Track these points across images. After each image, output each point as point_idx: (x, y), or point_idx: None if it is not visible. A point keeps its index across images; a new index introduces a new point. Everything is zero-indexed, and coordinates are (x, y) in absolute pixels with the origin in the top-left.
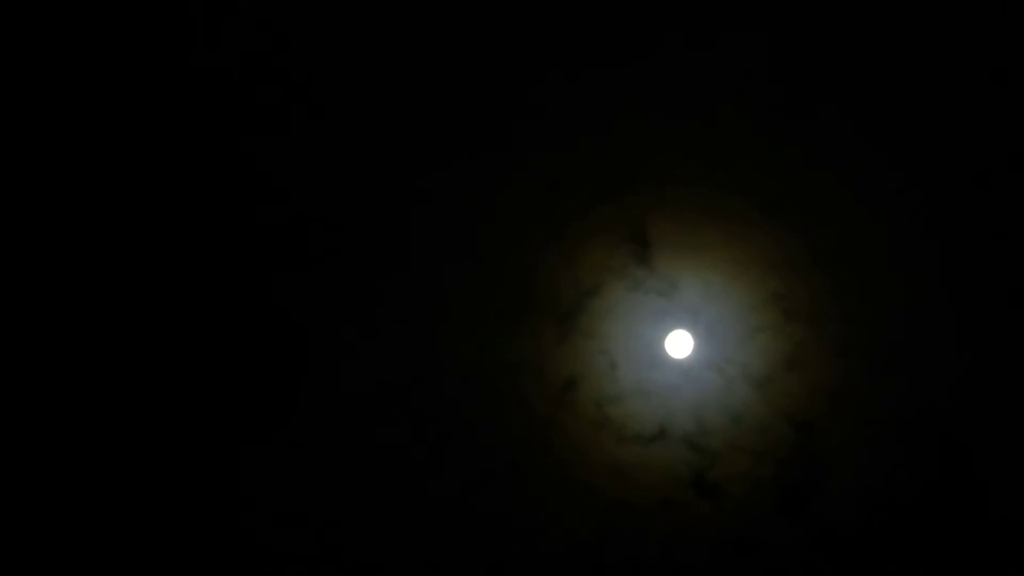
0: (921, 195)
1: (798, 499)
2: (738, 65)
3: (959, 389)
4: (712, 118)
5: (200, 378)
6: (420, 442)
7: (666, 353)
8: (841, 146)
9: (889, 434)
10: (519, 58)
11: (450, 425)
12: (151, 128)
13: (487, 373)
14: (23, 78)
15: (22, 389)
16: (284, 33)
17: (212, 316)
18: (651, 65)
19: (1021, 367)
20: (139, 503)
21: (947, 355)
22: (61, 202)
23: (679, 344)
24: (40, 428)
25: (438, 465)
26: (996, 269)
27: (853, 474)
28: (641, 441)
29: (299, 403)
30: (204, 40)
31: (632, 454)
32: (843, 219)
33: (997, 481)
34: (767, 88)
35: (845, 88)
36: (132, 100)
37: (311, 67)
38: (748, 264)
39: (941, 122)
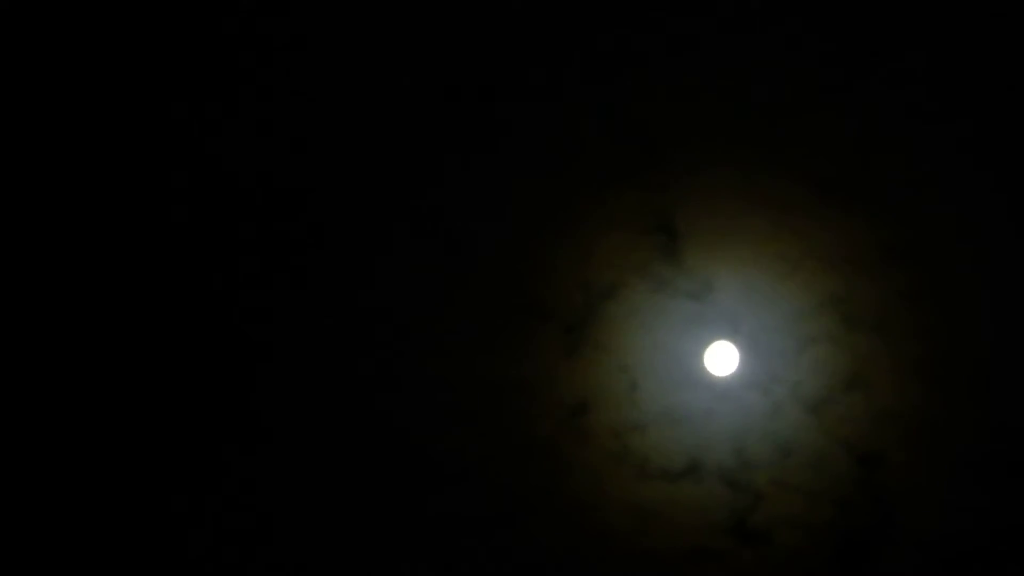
0: (1005, 180)
1: (860, 549)
2: (786, 30)
3: None
4: (754, 83)
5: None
6: (398, 478)
7: (698, 370)
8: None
9: (970, 471)
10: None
11: (434, 457)
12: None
13: (480, 394)
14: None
15: None
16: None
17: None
18: (676, 25)
19: None
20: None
21: None
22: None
23: (714, 359)
24: None
25: (420, 504)
26: None
27: (926, 519)
28: (669, 477)
29: (267, 426)
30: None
31: (658, 493)
32: (918, 208)
33: None
34: (823, 46)
35: (917, 52)
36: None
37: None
38: (799, 261)
39: None
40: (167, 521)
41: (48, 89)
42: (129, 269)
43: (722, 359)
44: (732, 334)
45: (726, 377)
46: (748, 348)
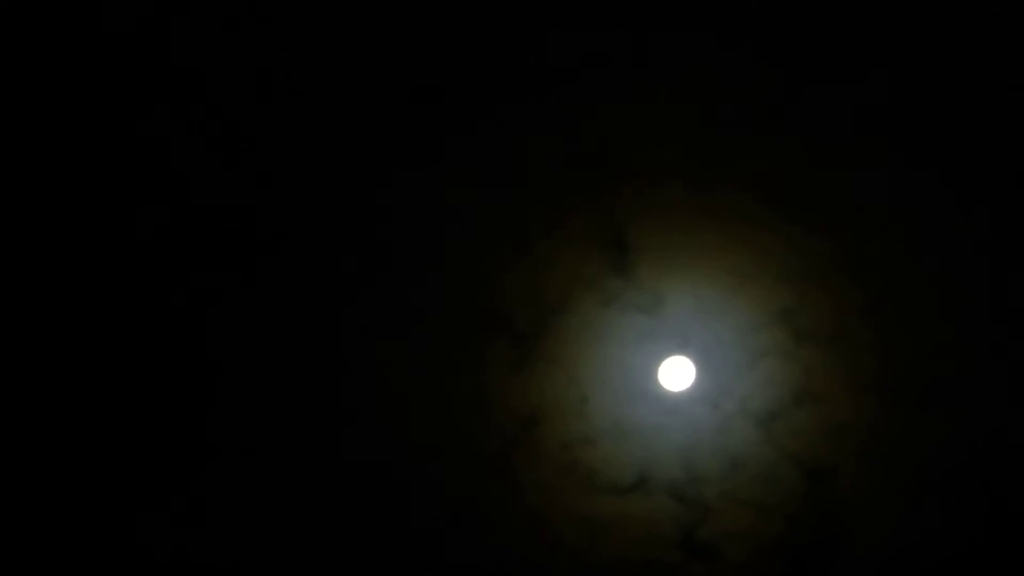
0: (962, 193)
1: (810, 564)
2: (738, 41)
3: (1010, 433)
4: (707, 96)
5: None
6: (347, 491)
7: (649, 384)
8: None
9: (922, 487)
10: (486, 31)
11: (384, 469)
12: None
13: (430, 406)
14: None
15: None
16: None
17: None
18: (631, 36)
19: None
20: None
21: (996, 391)
22: None
23: (665, 373)
24: None
25: (370, 518)
26: None
27: (877, 534)
28: (618, 491)
29: (214, 446)
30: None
31: (608, 506)
32: (871, 222)
33: None
34: (772, 65)
35: (872, 63)
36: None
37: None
38: (751, 274)
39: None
40: (122, 536)
41: (10, 101)
42: (91, 283)
43: (674, 373)
44: (681, 347)
45: (677, 391)
46: (699, 362)
